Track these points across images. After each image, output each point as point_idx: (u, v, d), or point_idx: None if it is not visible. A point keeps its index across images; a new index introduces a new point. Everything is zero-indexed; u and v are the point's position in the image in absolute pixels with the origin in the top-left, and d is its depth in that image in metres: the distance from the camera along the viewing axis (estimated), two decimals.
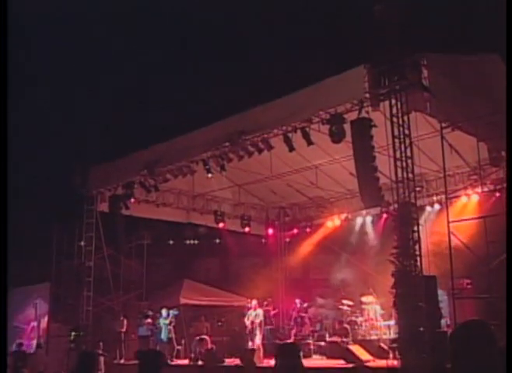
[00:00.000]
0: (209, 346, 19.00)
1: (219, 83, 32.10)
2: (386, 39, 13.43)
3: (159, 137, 19.68)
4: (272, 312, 21.61)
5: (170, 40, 35.37)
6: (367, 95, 13.81)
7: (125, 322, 20.78)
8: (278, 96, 16.07)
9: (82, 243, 20.75)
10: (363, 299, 19.16)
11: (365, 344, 17.03)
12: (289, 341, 18.10)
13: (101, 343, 19.01)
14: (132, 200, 19.77)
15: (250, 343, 18.40)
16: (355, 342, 17.48)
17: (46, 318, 24.12)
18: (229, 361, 18.05)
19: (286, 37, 31.58)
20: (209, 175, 17.98)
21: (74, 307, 20.58)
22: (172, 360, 19.13)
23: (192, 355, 18.90)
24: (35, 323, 24.66)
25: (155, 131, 27.47)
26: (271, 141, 16.20)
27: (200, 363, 18.16)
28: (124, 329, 20.59)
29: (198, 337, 19.66)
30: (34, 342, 23.97)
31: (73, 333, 19.78)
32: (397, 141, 13.45)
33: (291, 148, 15.75)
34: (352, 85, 13.90)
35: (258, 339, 18.29)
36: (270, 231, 24.78)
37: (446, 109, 13.58)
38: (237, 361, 17.27)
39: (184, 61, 36.30)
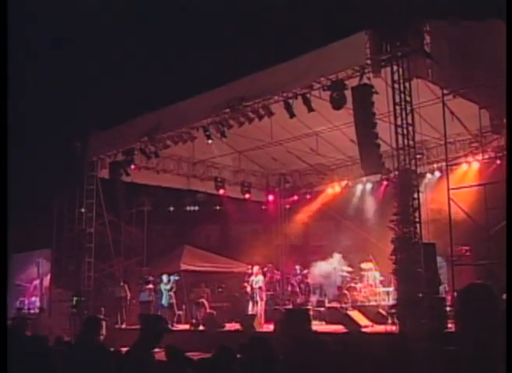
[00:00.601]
0: (207, 309, 19.19)
1: (220, 48, 31.84)
2: (388, 4, 13.29)
3: (159, 104, 19.61)
4: (276, 278, 21.78)
5: (170, 5, 34.93)
6: (369, 61, 13.71)
7: (126, 287, 20.92)
8: (278, 62, 15.95)
9: (83, 210, 20.80)
10: (363, 266, 19.28)
11: (364, 310, 17.22)
12: (290, 307, 18.32)
13: (103, 309, 19.17)
14: (132, 166, 19.76)
15: (250, 309, 18.56)
16: (354, 308, 17.66)
17: (48, 277, 24.23)
18: (229, 326, 18.26)
19: (287, 2, 31.20)
20: (209, 141, 17.97)
21: (75, 273, 20.73)
22: (173, 326, 19.30)
23: (193, 320, 19.06)
24: (37, 281, 24.83)
25: (155, 97, 27.32)
26: (272, 107, 16.15)
27: (201, 328, 18.35)
28: (125, 295, 20.72)
29: (196, 301, 19.88)
30: (37, 300, 24.16)
31: (75, 299, 19.98)
32: (398, 107, 13.40)
33: (291, 115, 15.71)
34: (354, 51, 13.79)
35: (260, 305, 18.43)
36: (270, 197, 24.82)
37: (448, 76, 13.50)
38: (237, 326, 17.46)
39: (185, 27, 35.94)
